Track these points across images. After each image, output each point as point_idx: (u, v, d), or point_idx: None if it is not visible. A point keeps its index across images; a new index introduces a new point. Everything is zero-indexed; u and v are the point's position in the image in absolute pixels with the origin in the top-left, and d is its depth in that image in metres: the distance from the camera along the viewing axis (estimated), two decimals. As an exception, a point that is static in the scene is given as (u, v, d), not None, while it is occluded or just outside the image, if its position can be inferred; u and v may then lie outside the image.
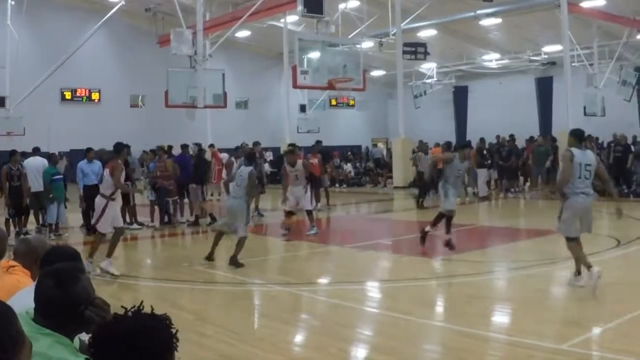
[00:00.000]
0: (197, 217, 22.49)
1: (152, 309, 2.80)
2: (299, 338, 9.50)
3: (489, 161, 30.81)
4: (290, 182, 18.89)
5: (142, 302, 2.83)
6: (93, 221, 14.17)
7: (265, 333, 9.55)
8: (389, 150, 44.72)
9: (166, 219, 22.22)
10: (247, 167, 14.98)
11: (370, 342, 9.09)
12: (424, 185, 26.04)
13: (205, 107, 28.07)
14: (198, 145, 24.63)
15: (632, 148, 29.98)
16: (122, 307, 2.79)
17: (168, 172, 21.69)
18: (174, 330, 2.77)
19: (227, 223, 14.84)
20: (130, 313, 2.76)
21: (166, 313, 2.81)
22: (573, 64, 35.59)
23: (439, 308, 11.12)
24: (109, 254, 13.52)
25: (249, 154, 16.84)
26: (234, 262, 14.21)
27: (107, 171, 14.15)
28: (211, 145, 33.20)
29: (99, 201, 13.91)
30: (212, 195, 29.39)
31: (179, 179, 22.14)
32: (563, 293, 12.15)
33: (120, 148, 14.45)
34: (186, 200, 23.00)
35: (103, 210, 13.69)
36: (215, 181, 26.69)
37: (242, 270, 14.14)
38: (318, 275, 14.16)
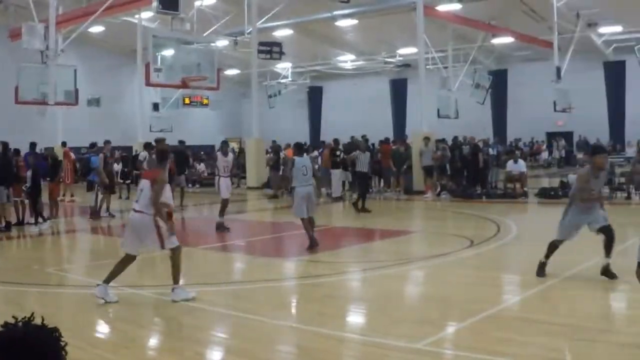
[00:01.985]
0: (8, 222, 20.88)
1: (43, 319, 2.71)
2: (153, 342, 9.34)
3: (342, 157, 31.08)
4: None
5: (32, 313, 2.72)
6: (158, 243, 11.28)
7: (118, 337, 9.38)
8: (242, 150, 44.61)
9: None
10: (304, 158, 17.05)
11: (226, 344, 9.03)
12: (365, 186, 25.81)
13: (56, 104, 27.56)
14: (3, 143, 22.87)
15: (492, 150, 30.94)
16: (13, 316, 2.69)
17: None
18: (63, 343, 2.68)
19: (308, 208, 16.34)
20: (20, 323, 2.66)
21: (56, 326, 2.71)
22: (427, 67, 36.35)
23: (294, 309, 11.12)
24: (176, 280, 11.37)
25: (299, 145, 17.81)
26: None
27: (145, 182, 11.37)
28: (63, 144, 32.45)
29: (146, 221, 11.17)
30: (64, 195, 28.74)
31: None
32: (417, 293, 12.39)
33: (165, 153, 11.70)
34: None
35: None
36: (68, 181, 26.09)
37: (95, 273, 13.87)
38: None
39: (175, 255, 11.37)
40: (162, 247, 11.32)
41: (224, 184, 20.59)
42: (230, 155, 21.43)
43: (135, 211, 11.29)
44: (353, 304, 11.20)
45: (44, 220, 21.35)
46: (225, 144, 21.74)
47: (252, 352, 8.42)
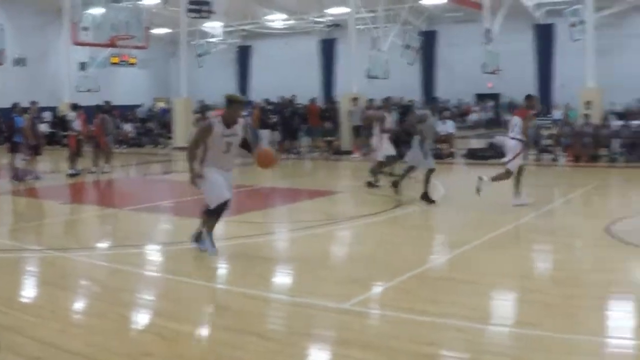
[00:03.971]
0: None
1: None
2: (78, 305, 9.23)
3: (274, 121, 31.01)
4: (216, 158, 11.19)
5: None
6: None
7: (42, 300, 9.27)
8: (164, 110, 44.17)
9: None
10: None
11: (152, 306, 8.97)
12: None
13: (-18, 64, 27.00)
14: None
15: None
16: None
17: None
18: None
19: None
20: None
21: None
22: (358, 27, 36.27)
23: (221, 270, 11.05)
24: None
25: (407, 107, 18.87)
26: (427, 198, 16.72)
27: (516, 119, 16.22)
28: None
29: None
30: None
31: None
32: (345, 253, 12.47)
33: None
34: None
35: None
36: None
37: (17, 235, 13.75)
38: (97, 239, 13.88)
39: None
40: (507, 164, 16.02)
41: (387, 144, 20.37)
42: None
43: (512, 138, 16.03)
44: (280, 265, 11.20)
45: None
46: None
47: (179, 313, 8.41)
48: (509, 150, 16.06)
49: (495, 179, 16.01)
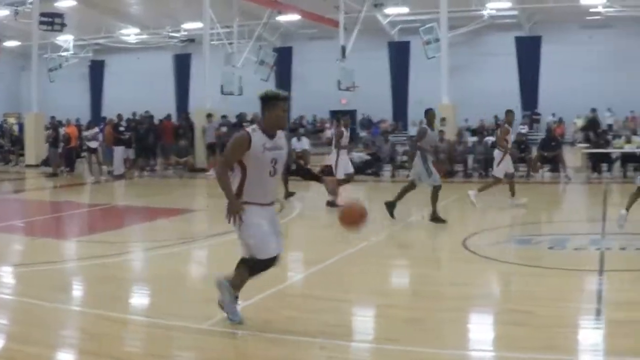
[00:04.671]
0: None
1: None
2: None
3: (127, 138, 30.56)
4: (258, 185, 8.12)
5: None
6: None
7: None
8: (21, 125, 43.20)
9: None
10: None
11: (5, 330, 8.72)
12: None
13: None
14: None
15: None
16: None
17: None
18: None
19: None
20: None
21: None
22: (212, 42, 36.38)
23: (75, 292, 10.87)
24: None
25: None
26: (437, 219, 16.04)
27: None
28: None
29: None
30: None
31: None
32: (201, 272, 12.42)
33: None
34: None
35: None
36: None
37: None
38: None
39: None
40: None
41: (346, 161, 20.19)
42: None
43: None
44: (136, 285, 11.10)
45: None
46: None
47: (34, 337, 8.18)
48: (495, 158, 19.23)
49: (482, 189, 19.03)
